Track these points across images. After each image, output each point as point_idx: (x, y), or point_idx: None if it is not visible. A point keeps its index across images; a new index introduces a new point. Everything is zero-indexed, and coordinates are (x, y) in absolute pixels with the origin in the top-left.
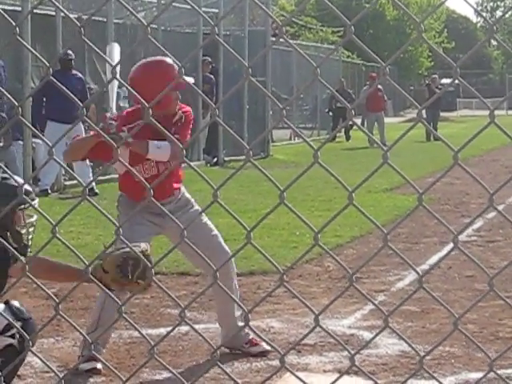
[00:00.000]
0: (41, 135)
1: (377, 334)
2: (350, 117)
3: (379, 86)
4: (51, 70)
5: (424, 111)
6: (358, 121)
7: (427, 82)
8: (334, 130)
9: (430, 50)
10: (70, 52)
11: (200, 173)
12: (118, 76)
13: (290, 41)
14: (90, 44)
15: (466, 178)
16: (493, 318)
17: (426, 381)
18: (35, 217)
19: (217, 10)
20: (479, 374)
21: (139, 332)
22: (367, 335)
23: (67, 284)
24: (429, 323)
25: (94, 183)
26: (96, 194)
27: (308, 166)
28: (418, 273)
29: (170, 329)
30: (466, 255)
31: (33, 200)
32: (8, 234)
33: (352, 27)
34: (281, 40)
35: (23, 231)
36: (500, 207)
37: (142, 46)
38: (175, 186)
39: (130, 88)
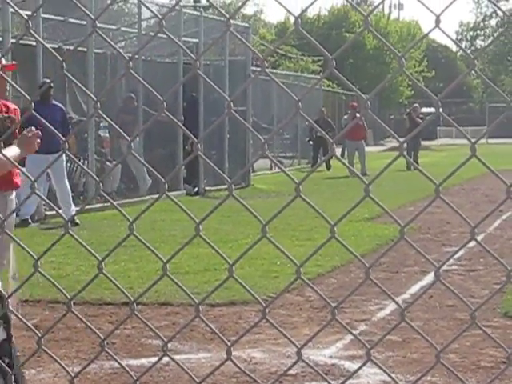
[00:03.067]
0: (22, 169)
1: (359, 368)
2: (332, 151)
3: (359, 115)
4: (33, 104)
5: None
6: (339, 150)
7: (408, 110)
8: (315, 158)
9: (409, 79)
10: (47, 80)
11: (181, 205)
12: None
13: (271, 71)
14: (71, 78)
15: (447, 207)
16: (474, 347)
17: None
18: None
19: (197, 40)
20: None
21: (120, 365)
22: (348, 365)
23: (48, 315)
24: (410, 352)
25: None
26: (77, 224)
27: (290, 200)
28: (399, 306)
29: (151, 359)
30: (447, 287)
31: None
32: None
33: (333, 61)
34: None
35: None
36: (480, 236)
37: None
38: None
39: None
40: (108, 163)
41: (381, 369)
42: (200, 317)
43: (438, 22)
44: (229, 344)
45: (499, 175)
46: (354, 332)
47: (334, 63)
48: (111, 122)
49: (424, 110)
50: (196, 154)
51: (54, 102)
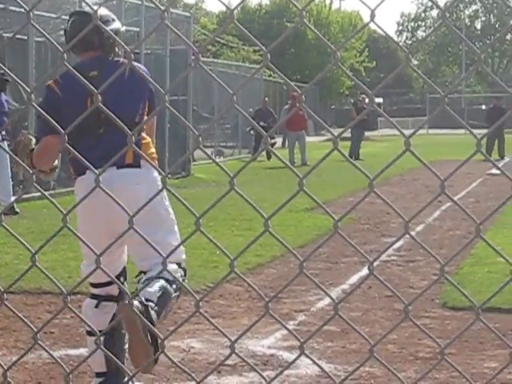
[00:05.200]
0: None
1: (294, 360)
2: (266, 144)
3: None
4: None
5: (349, 130)
6: (280, 139)
7: (353, 101)
8: (256, 148)
9: (351, 69)
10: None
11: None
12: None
13: (212, 60)
14: (4, 68)
15: (387, 198)
16: (412, 338)
17: None
18: None
19: (138, 29)
20: None
21: (52, 357)
22: (287, 355)
23: None
24: (348, 343)
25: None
26: (16, 212)
27: (223, 195)
28: (333, 300)
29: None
30: (382, 282)
31: None
32: None
33: (268, 54)
34: (202, 59)
35: None
36: (420, 227)
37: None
38: None
39: (45, 113)
40: None
41: (313, 361)
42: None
43: (372, 16)
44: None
45: (433, 170)
46: (292, 322)
47: (269, 56)
48: (45, 115)
49: (367, 100)
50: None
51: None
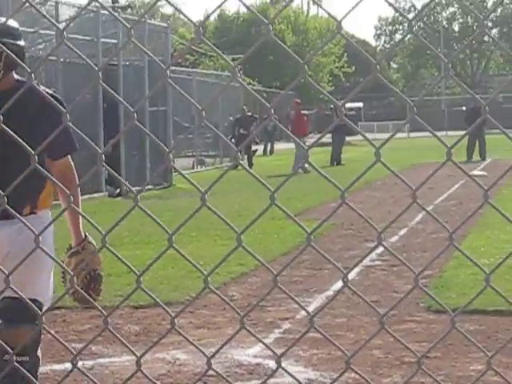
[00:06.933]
0: None
1: (273, 373)
2: (236, 158)
3: (304, 112)
4: None
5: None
6: (261, 147)
7: (332, 106)
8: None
9: (330, 74)
10: None
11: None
12: None
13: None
14: None
15: (369, 202)
16: (397, 342)
17: None
18: None
19: (116, 41)
20: None
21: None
22: (273, 364)
23: None
24: (334, 350)
25: None
26: None
27: (195, 210)
28: (308, 313)
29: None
30: (359, 295)
31: None
32: None
33: (237, 68)
34: (180, 69)
35: None
36: (403, 231)
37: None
38: None
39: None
40: None
41: (291, 376)
42: (176, 329)
43: (339, 28)
44: (138, 356)
45: (404, 179)
46: (277, 331)
47: (237, 70)
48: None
49: (348, 105)
50: (101, 158)
51: None
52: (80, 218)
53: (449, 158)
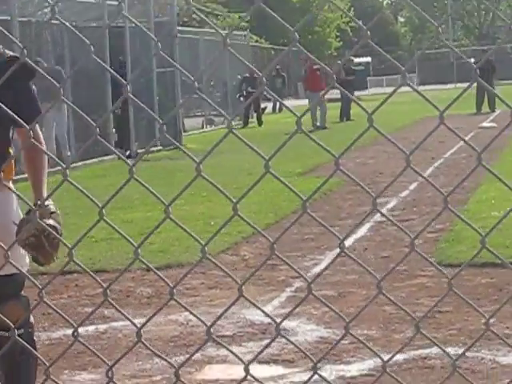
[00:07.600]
0: None
1: (269, 343)
2: (230, 128)
3: (316, 67)
4: None
5: (338, 91)
6: (270, 104)
7: (340, 62)
8: (246, 115)
9: (337, 30)
10: None
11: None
12: None
13: (198, 30)
14: None
15: (380, 157)
16: (409, 297)
17: (345, 366)
18: None
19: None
20: (398, 356)
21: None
22: (285, 323)
23: None
24: (346, 307)
25: None
26: None
27: (192, 179)
28: (306, 280)
29: (88, 328)
30: (354, 260)
31: None
32: None
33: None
34: (188, 29)
35: None
36: (413, 185)
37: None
38: None
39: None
40: None
41: (289, 341)
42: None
43: None
44: (138, 326)
45: (397, 144)
46: (289, 289)
47: (229, 42)
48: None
49: (356, 59)
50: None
51: None
52: (44, 183)
53: (441, 122)
